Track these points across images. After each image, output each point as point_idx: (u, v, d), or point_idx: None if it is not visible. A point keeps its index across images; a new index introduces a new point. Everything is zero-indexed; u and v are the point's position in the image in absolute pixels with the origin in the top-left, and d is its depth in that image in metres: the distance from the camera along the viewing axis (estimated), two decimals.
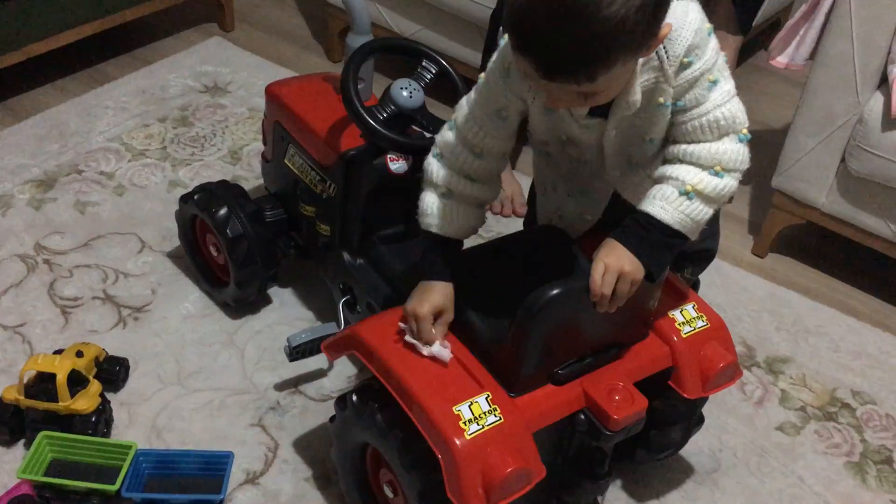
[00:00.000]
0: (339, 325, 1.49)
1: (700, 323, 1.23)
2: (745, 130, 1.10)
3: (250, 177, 1.96)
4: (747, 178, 2.11)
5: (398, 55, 1.48)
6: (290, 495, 1.36)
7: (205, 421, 1.46)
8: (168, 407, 1.47)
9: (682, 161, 1.10)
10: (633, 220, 1.10)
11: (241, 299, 1.62)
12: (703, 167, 1.08)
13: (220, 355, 1.57)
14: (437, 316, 1.13)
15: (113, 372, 1.47)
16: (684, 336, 1.22)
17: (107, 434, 1.40)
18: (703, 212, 1.09)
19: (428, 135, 1.41)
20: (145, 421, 1.45)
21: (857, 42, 1.64)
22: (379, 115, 1.36)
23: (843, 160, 1.74)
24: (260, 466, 1.40)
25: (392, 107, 1.37)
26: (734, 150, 1.09)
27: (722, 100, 1.07)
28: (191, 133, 2.09)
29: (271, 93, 1.61)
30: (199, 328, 1.62)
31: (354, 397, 1.18)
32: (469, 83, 1.54)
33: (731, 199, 1.40)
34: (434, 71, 1.42)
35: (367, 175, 1.44)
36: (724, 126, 1.08)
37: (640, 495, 1.42)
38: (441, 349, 1.11)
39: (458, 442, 1.03)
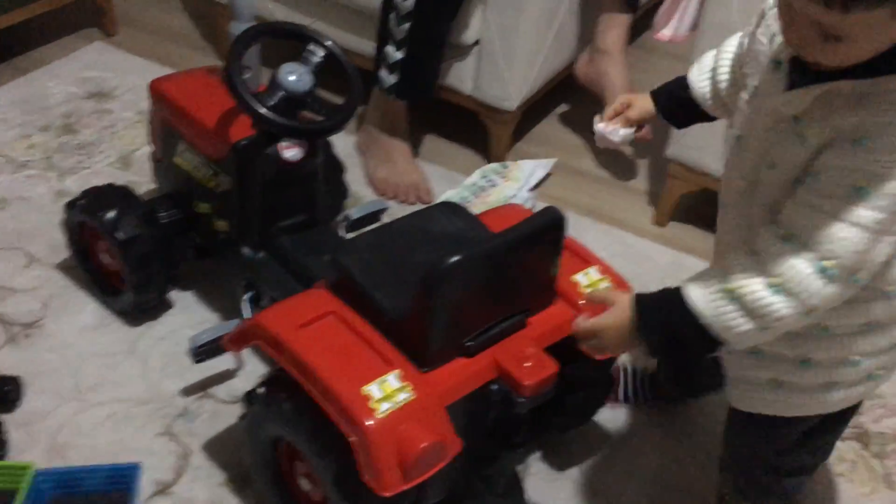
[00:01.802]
0: None
1: (604, 285, 1.24)
2: (831, 264, 0.84)
3: (144, 181, 1.88)
4: (644, 151, 2.20)
5: (283, 39, 1.44)
6: (206, 502, 1.32)
7: (109, 434, 1.39)
8: (68, 423, 1.40)
9: (750, 248, 0.90)
10: (663, 292, 0.94)
11: (139, 305, 1.55)
12: (760, 272, 0.87)
13: (121, 366, 1.51)
14: (629, 105, 1.22)
15: (3, 392, 1.39)
16: None
17: (2, 457, 1.32)
18: (738, 323, 0.88)
19: (320, 118, 1.38)
20: (45, 440, 1.37)
21: (737, 9, 1.69)
22: (267, 101, 1.32)
23: (730, 126, 1.79)
24: (171, 476, 1.34)
25: (281, 92, 1.33)
26: (805, 275, 0.85)
27: (847, 195, 0.83)
28: (76, 141, 2.00)
29: (155, 89, 1.55)
30: (98, 340, 1.55)
31: (262, 390, 1.14)
32: (364, 73, 1.53)
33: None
34: (321, 53, 1.39)
35: (260, 165, 1.40)
36: (816, 238, 0.84)
37: (559, 464, 1.42)
38: (612, 129, 1.22)
39: (368, 423, 1.01)
